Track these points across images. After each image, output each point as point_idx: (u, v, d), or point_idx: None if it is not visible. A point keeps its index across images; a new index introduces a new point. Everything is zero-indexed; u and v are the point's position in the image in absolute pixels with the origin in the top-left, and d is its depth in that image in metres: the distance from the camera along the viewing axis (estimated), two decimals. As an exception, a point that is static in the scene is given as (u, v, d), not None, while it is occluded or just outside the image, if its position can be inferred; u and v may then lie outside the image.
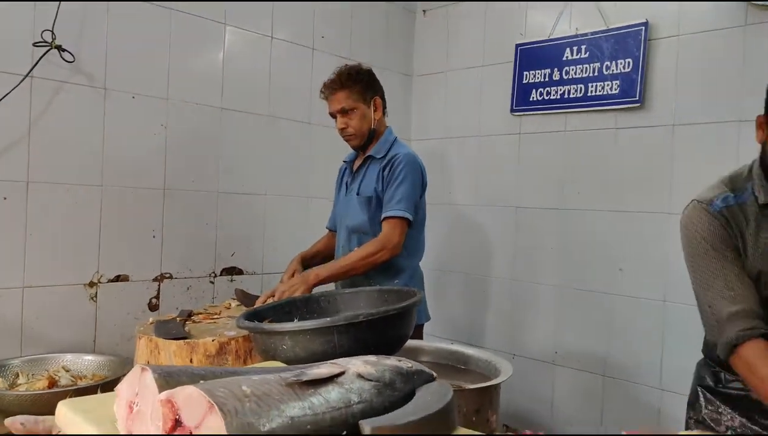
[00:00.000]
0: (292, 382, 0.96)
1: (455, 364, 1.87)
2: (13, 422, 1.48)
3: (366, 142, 2.25)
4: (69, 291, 2.19)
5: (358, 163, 2.33)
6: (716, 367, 1.57)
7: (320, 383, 0.99)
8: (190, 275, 2.53)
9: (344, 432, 0.95)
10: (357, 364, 1.10)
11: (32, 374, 1.98)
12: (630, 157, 2.62)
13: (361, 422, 0.96)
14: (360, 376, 1.06)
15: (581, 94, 2.76)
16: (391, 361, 1.16)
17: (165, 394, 0.90)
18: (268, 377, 0.98)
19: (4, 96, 1.96)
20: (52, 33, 2.04)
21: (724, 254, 1.40)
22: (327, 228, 2.56)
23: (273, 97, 2.82)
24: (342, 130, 2.23)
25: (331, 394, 0.98)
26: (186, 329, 1.80)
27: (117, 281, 2.31)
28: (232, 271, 2.68)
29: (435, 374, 1.22)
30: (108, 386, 1.76)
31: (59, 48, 2.06)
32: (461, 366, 1.86)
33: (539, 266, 2.92)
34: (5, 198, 2.04)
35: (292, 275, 2.22)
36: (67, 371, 1.97)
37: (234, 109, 2.66)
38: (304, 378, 0.98)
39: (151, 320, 1.91)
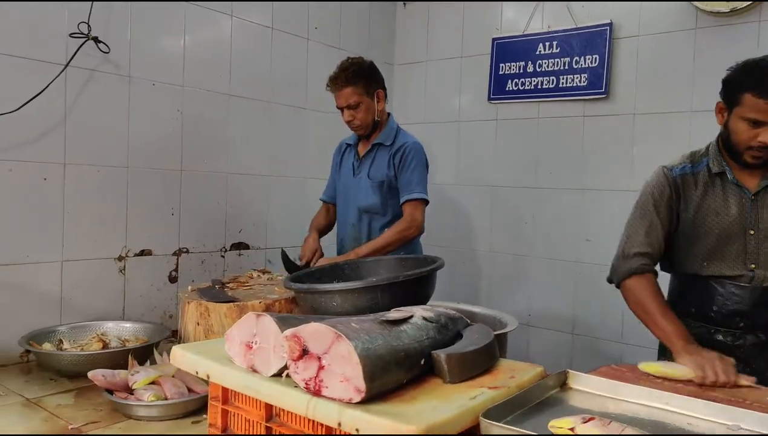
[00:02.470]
0: (382, 321, 1.24)
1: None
2: (95, 375, 1.71)
3: (371, 130, 2.50)
4: (102, 264, 2.37)
5: (364, 148, 2.56)
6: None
7: (399, 323, 1.27)
8: (204, 250, 2.74)
9: (422, 360, 1.23)
10: (418, 310, 1.38)
11: (74, 340, 2.16)
12: (596, 141, 2.98)
13: (433, 352, 1.25)
14: (424, 318, 1.34)
15: (553, 86, 3.09)
16: (441, 309, 1.45)
17: (290, 331, 1.16)
18: (362, 318, 1.25)
19: (48, 85, 2.11)
20: (88, 25, 2.20)
21: (659, 209, 1.84)
22: (323, 200, 2.77)
23: (273, 84, 3.02)
24: (349, 123, 2.47)
25: (409, 331, 1.26)
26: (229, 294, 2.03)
27: (142, 255, 2.50)
28: (239, 246, 2.90)
29: (468, 321, 1.52)
30: (150, 348, 1.98)
31: (95, 39, 2.21)
32: (469, 321, 2.16)
33: (514, 239, 3.27)
34: (45, 178, 2.19)
35: (314, 253, 2.45)
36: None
37: (239, 96, 2.86)
38: (390, 318, 1.25)
39: (190, 288, 2.13)
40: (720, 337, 1.78)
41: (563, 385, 1.34)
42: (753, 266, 1.74)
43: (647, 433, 1.02)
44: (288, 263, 2.34)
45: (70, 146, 2.25)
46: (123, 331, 2.23)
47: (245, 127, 2.90)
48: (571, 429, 1.05)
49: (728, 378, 1.48)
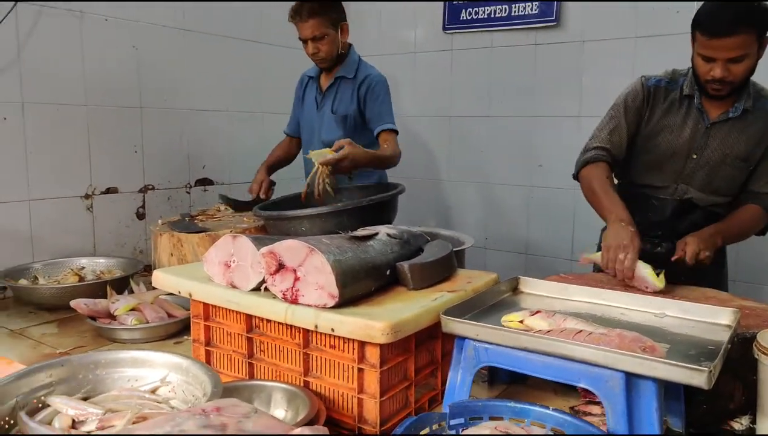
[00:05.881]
0: (351, 237, 1.35)
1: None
2: (77, 303, 1.80)
3: (334, 63, 2.49)
4: (68, 203, 2.40)
5: (326, 81, 2.54)
6: None
7: (367, 239, 1.39)
8: (169, 186, 2.79)
9: (388, 271, 1.36)
10: (383, 228, 1.50)
11: (49, 275, 2.22)
12: (547, 69, 3.09)
13: (398, 263, 1.38)
14: (389, 235, 1.46)
15: (506, 14, 3.15)
16: (404, 227, 1.58)
17: (266, 248, 1.27)
18: (332, 236, 1.36)
19: (1, 20, 2.08)
20: (35, -41, 2.15)
21: (628, 113, 1.94)
22: (286, 133, 2.76)
23: (226, 17, 2.99)
24: (313, 56, 2.42)
25: (376, 246, 1.38)
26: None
27: (108, 193, 2.54)
28: (204, 181, 2.95)
29: (429, 238, 1.65)
30: (126, 280, 2.05)
31: (44, -26, 2.17)
32: (429, 239, 2.30)
33: (471, 168, 3.40)
34: (5, 118, 2.19)
35: (260, 185, 2.50)
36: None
37: (194, 30, 2.84)
38: (359, 234, 1.37)
39: (160, 221, 2.20)
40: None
41: (515, 290, 1.49)
42: (683, 184, 1.91)
43: (585, 321, 1.18)
44: (233, 203, 2.39)
45: (26, 85, 2.24)
46: (97, 265, 2.29)
47: (201, 62, 2.90)
48: (521, 321, 1.20)
49: (622, 271, 1.62)
